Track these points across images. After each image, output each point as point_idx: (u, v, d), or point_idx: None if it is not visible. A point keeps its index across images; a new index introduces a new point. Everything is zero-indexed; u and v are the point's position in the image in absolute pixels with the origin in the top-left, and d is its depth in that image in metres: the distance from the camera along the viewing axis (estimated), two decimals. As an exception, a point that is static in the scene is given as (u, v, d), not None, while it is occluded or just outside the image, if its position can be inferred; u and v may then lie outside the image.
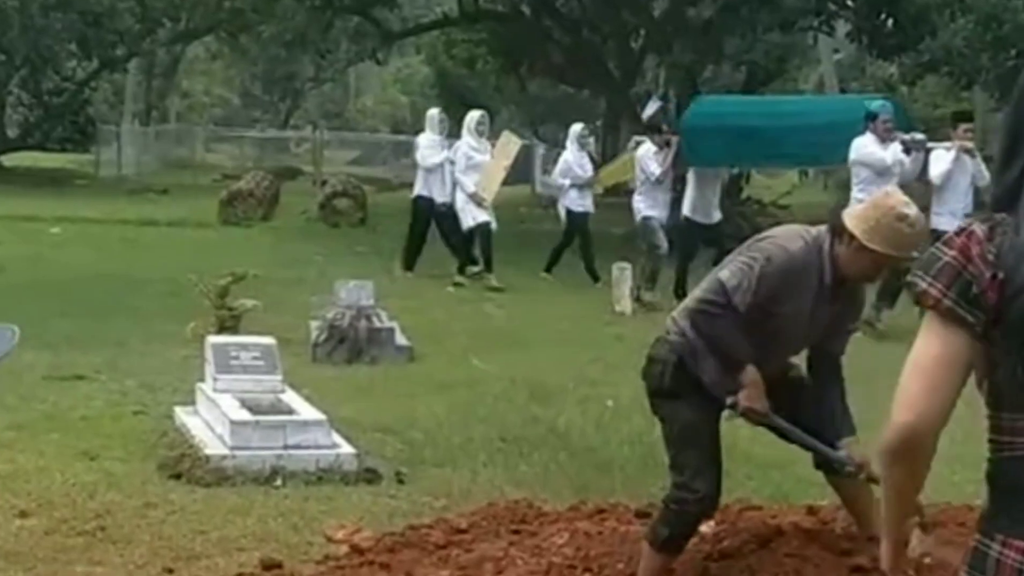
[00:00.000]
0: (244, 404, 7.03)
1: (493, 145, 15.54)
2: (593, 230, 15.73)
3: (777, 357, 4.76)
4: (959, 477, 6.51)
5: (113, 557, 5.38)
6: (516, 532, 5.59)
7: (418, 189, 15.74)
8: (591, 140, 18.38)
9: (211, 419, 7.17)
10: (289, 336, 9.74)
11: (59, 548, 5.44)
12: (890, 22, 20.60)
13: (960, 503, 5.98)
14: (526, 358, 10.27)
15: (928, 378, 2.28)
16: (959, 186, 11.83)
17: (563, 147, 17.36)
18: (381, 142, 44.64)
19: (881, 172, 11.86)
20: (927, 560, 4.90)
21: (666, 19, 23.22)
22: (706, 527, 5.27)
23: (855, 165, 12.08)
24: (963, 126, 12.24)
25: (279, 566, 5.31)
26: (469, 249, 15.34)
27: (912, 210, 4.60)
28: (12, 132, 35.48)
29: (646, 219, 14.11)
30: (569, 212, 15.50)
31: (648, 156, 14.35)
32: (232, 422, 6.74)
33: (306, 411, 7.09)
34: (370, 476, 6.59)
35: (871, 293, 12.13)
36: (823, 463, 4.93)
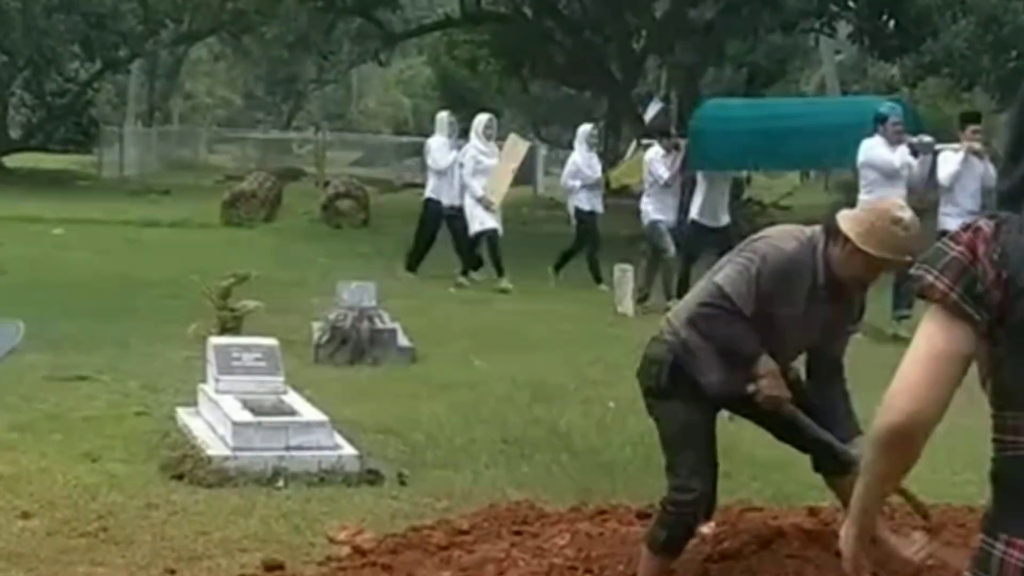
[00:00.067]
0: (246, 405, 7.04)
1: (500, 148, 15.53)
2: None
3: (774, 359, 4.76)
4: (960, 478, 6.53)
5: (115, 558, 5.39)
6: (518, 533, 5.60)
7: (429, 192, 15.76)
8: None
9: (213, 420, 7.17)
10: (291, 337, 9.75)
11: (61, 549, 5.45)
12: (891, 23, 20.64)
13: (961, 504, 6.00)
14: (528, 359, 10.27)
15: (930, 370, 2.28)
16: (968, 188, 11.73)
17: (565, 148, 17.38)
18: (383, 143, 44.67)
19: (889, 175, 11.82)
20: (929, 561, 4.91)
21: (668, 20, 23.24)
22: (707, 528, 5.27)
23: (863, 167, 12.01)
24: (971, 127, 12.10)
25: (281, 567, 5.31)
26: (475, 253, 15.36)
27: (907, 214, 4.60)
28: (15, 133, 35.54)
29: (654, 223, 14.09)
30: (578, 211, 15.50)
31: (656, 159, 14.33)
32: (234, 423, 6.75)
33: (308, 412, 7.10)
34: (372, 477, 6.59)
35: (877, 299, 12.22)
36: (823, 465, 4.93)
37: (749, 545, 5.08)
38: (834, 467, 4.91)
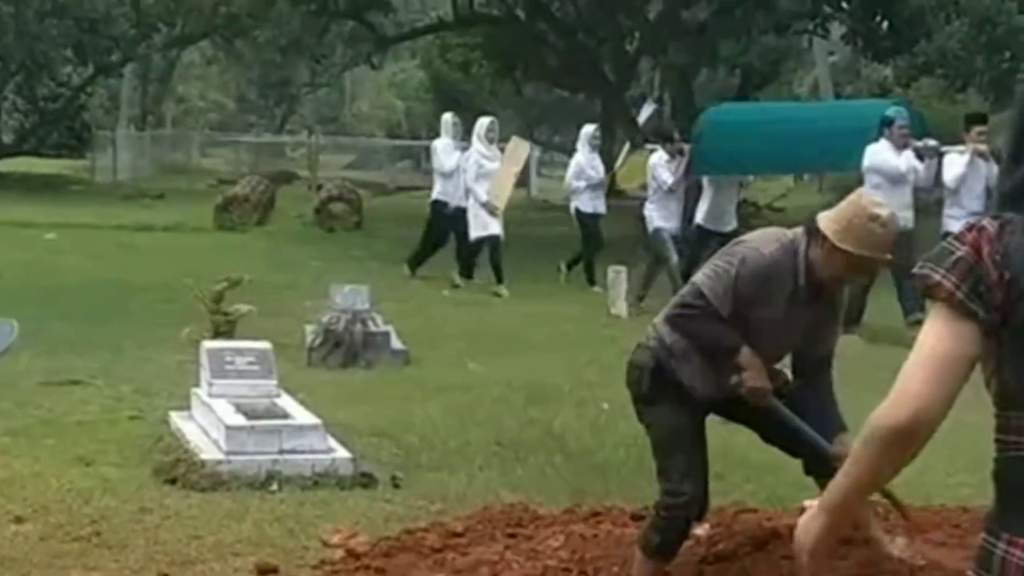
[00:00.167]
0: (239, 409, 7.02)
1: (502, 151, 15.51)
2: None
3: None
4: (954, 479, 6.53)
5: (108, 562, 5.37)
6: (512, 535, 5.60)
7: (436, 194, 15.77)
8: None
9: (206, 424, 7.16)
10: (284, 341, 9.74)
11: (54, 554, 5.44)
12: (885, 25, 20.67)
13: (955, 505, 6.00)
14: (522, 361, 10.27)
15: (936, 369, 2.27)
16: (973, 190, 11.69)
17: (558, 150, 17.38)
18: (376, 146, 44.68)
19: (895, 179, 11.80)
20: (921, 562, 4.91)
21: (661, 22, 23.26)
22: (701, 530, 5.28)
23: (868, 172, 11.97)
24: (976, 129, 12.03)
25: (275, 571, 5.30)
26: (473, 257, 15.38)
27: (884, 211, 4.60)
28: (7, 138, 35.49)
29: (657, 230, 14.06)
30: (579, 213, 15.49)
31: (660, 164, 14.32)
32: (227, 427, 6.74)
33: (301, 416, 7.09)
34: (366, 480, 6.58)
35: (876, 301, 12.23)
36: (814, 467, 4.92)
37: (744, 547, 5.09)
38: (824, 469, 4.91)
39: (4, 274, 14.08)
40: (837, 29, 23.09)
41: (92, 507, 6.04)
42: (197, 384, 7.63)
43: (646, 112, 20.67)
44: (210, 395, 7.30)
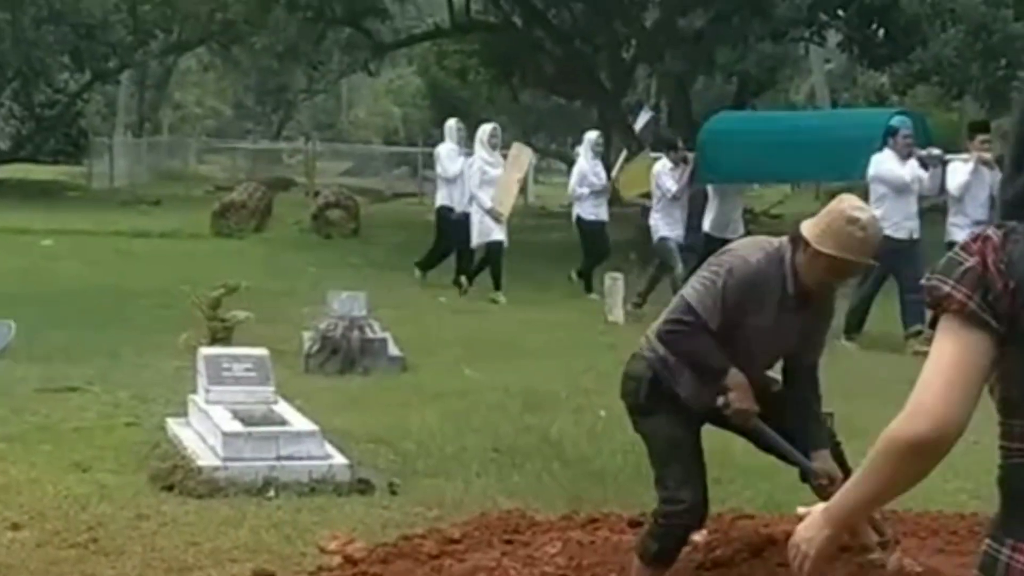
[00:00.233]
0: (236, 415, 7.03)
1: (504, 157, 15.50)
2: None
3: (747, 371, 4.74)
4: (951, 486, 6.53)
5: (105, 569, 5.37)
6: (509, 542, 5.60)
7: (441, 199, 15.80)
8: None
9: (203, 430, 7.16)
10: (282, 347, 9.74)
11: (51, 560, 5.43)
12: (881, 32, 20.69)
13: (952, 511, 6.00)
14: (519, 368, 10.27)
15: (953, 381, 2.26)
16: (977, 197, 11.66)
17: (555, 157, 17.38)
18: (374, 153, 44.71)
19: (899, 189, 11.80)
20: (918, 569, 4.91)
21: (657, 29, 23.28)
22: (699, 536, 5.28)
23: (873, 181, 11.95)
24: (980, 137, 12.03)
25: (272, 577, 5.31)
26: (469, 262, 15.39)
27: (863, 214, 4.61)
28: (4, 144, 35.49)
29: (663, 239, 14.06)
30: (580, 220, 15.48)
31: (664, 172, 14.32)
32: (224, 433, 6.73)
33: (299, 422, 7.09)
34: (363, 487, 6.58)
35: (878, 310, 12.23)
36: (807, 476, 4.94)
37: (741, 553, 5.09)
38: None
39: (0, 281, 14.08)
40: (833, 37, 23.11)
41: (89, 513, 6.04)
42: (194, 390, 7.64)
43: (642, 120, 20.71)
44: (207, 401, 7.31)
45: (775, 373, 5.04)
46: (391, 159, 41.87)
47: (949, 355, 2.28)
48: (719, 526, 5.59)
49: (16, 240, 18.87)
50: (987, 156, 11.71)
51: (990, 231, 2.32)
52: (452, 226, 15.36)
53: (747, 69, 22.37)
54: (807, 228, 4.61)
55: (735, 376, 4.66)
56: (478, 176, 14.82)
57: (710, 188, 14.28)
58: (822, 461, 4.75)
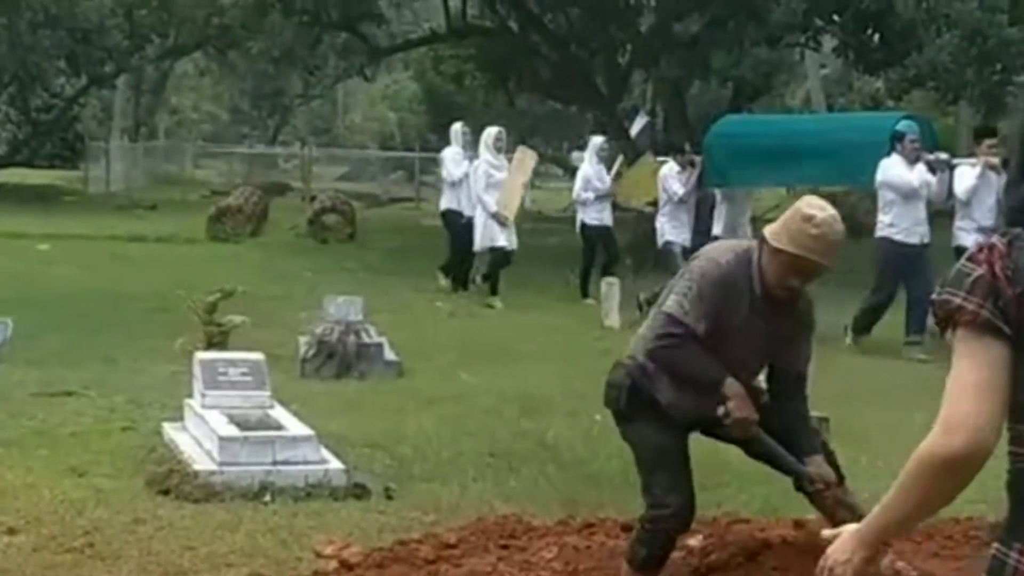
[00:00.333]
0: (232, 420, 7.03)
1: (509, 160, 15.50)
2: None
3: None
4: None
5: (101, 574, 5.37)
6: (505, 547, 5.61)
7: (446, 203, 15.80)
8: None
9: (199, 435, 7.17)
10: (278, 352, 9.75)
11: (47, 565, 5.43)
12: (876, 37, 20.68)
13: (948, 516, 6.01)
14: (515, 372, 10.28)
15: (980, 393, 2.27)
16: (985, 202, 11.65)
17: (551, 162, 17.38)
18: (370, 158, 44.67)
19: (907, 194, 11.79)
20: (913, 573, 4.92)
21: (653, 34, 23.28)
22: (694, 540, 5.30)
23: (881, 187, 11.94)
24: (987, 141, 12.02)
25: (268, 582, 5.31)
26: (469, 266, 15.40)
27: (819, 212, 4.61)
28: (0, 149, 35.46)
29: (668, 243, 14.06)
30: (584, 225, 15.48)
31: (671, 176, 14.31)
32: (220, 438, 6.74)
33: (295, 427, 7.09)
34: (359, 491, 6.59)
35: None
36: (800, 485, 4.95)
37: (736, 557, 5.10)
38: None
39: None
40: (829, 42, 23.12)
41: (85, 518, 6.04)
42: (190, 395, 7.64)
43: (638, 124, 20.70)
44: (203, 406, 7.31)
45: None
46: (387, 164, 41.85)
47: (972, 368, 2.28)
48: (715, 530, 5.60)
49: (12, 245, 18.87)
50: (994, 160, 11.67)
51: (995, 239, 2.33)
52: (465, 229, 15.30)
53: (743, 74, 22.39)
54: (768, 228, 4.65)
55: (732, 385, 4.67)
56: (483, 179, 14.81)
57: (718, 192, 14.27)
58: (816, 466, 4.77)
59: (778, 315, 4.70)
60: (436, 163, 15.73)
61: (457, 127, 16.17)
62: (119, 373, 9.62)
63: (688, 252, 13.87)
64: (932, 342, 11.30)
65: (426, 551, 5.54)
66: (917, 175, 11.84)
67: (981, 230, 11.11)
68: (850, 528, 2.53)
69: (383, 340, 10.46)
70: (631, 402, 4.82)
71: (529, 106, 35.74)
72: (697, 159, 14.32)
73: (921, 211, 11.92)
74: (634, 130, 20.58)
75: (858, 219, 22.98)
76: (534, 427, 8.22)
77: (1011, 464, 2.35)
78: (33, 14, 28.19)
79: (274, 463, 6.64)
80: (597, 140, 16.06)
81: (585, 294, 15.08)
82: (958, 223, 11.96)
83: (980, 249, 2.33)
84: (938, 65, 18.53)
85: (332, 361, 9.99)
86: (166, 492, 6.48)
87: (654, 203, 15.07)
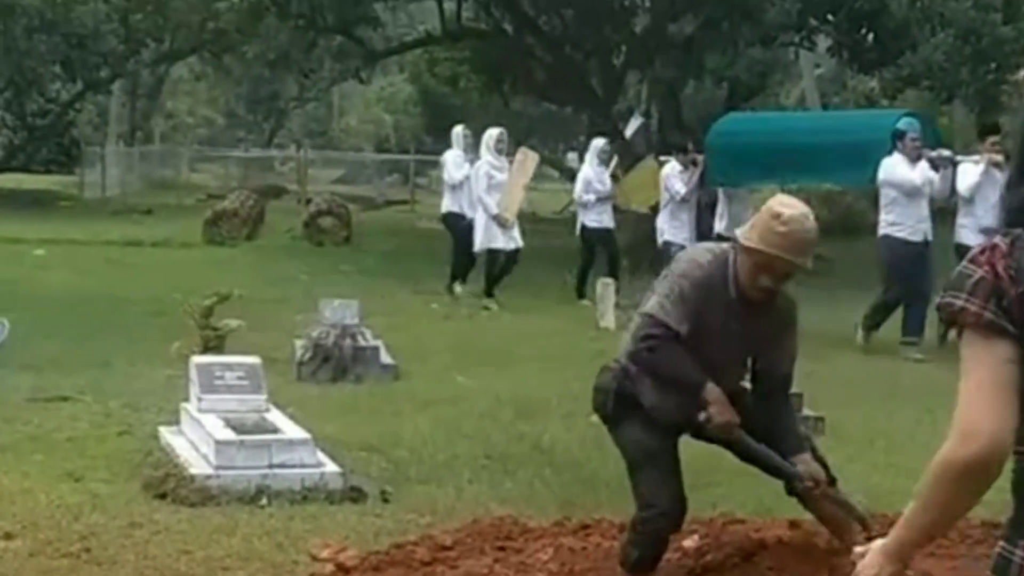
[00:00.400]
0: (229, 423, 7.03)
1: (510, 162, 15.51)
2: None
3: (715, 381, 4.74)
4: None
5: (98, 578, 5.38)
6: (501, 549, 5.61)
7: (447, 206, 15.75)
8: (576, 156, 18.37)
9: (196, 439, 7.17)
10: (274, 355, 9.75)
11: (44, 570, 5.44)
12: (871, 37, 20.70)
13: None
14: (511, 375, 10.29)
15: (993, 396, 2.26)
16: (988, 199, 11.55)
17: (546, 163, 17.37)
18: (365, 161, 44.67)
19: (911, 192, 11.78)
20: (909, 573, 4.93)
21: (647, 35, 23.29)
22: (690, 541, 5.31)
23: (883, 186, 11.94)
24: (991, 138, 12.01)
25: (264, 585, 5.31)
26: (467, 271, 15.40)
27: (788, 210, 4.60)
28: (-4, 154, 35.45)
29: (667, 244, 14.05)
30: (584, 228, 15.47)
31: (673, 175, 14.30)
32: (217, 442, 6.75)
33: (291, 430, 7.10)
34: (355, 494, 6.59)
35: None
36: (792, 488, 4.95)
37: (732, 558, 5.11)
38: (798, 492, 4.95)
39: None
40: (823, 42, 23.13)
41: (82, 523, 6.05)
42: (186, 399, 7.64)
43: (633, 125, 20.70)
44: (199, 410, 7.31)
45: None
46: (383, 166, 41.86)
47: (981, 371, 2.28)
48: (710, 531, 5.60)
49: (8, 250, 18.86)
50: (998, 157, 11.60)
51: (997, 239, 2.34)
52: (465, 232, 15.28)
53: (737, 74, 22.39)
54: (741, 227, 4.68)
55: (712, 390, 4.66)
56: (484, 181, 14.80)
57: (720, 191, 14.25)
58: (805, 464, 4.77)
59: (754, 316, 4.70)
60: (432, 165, 15.73)
61: (458, 130, 16.15)
62: (115, 377, 9.62)
63: None
64: (930, 342, 11.35)
65: (422, 553, 5.54)
66: (920, 173, 11.83)
67: (984, 231, 11.10)
68: (877, 544, 2.52)
69: (379, 343, 10.47)
70: (618, 405, 4.84)
71: (524, 108, 35.74)
72: (699, 158, 14.31)
73: (924, 209, 11.92)
74: (629, 131, 20.58)
75: (854, 218, 23.06)
76: (530, 429, 8.23)
77: (1016, 463, 2.35)
78: (29, 19, 28.18)
79: (270, 466, 6.65)
80: (599, 142, 16.03)
81: (581, 295, 15.08)
82: (960, 220, 11.95)
83: (982, 251, 2.33)
84: (932, 64, 18.56)
85: (328, 364, 10.00)
86: (162, 496, 6.48)
87: (655, 207, 15.06)
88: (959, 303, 2.30)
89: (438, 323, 13.42)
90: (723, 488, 6.54)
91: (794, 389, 8.23)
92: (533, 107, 35.95)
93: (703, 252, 4.83)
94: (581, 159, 18.38)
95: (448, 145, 16.22)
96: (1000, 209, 2.45)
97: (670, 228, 14.15)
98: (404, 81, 44.10)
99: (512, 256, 14.99)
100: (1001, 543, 2.35)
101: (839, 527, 4.98)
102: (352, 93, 51.93)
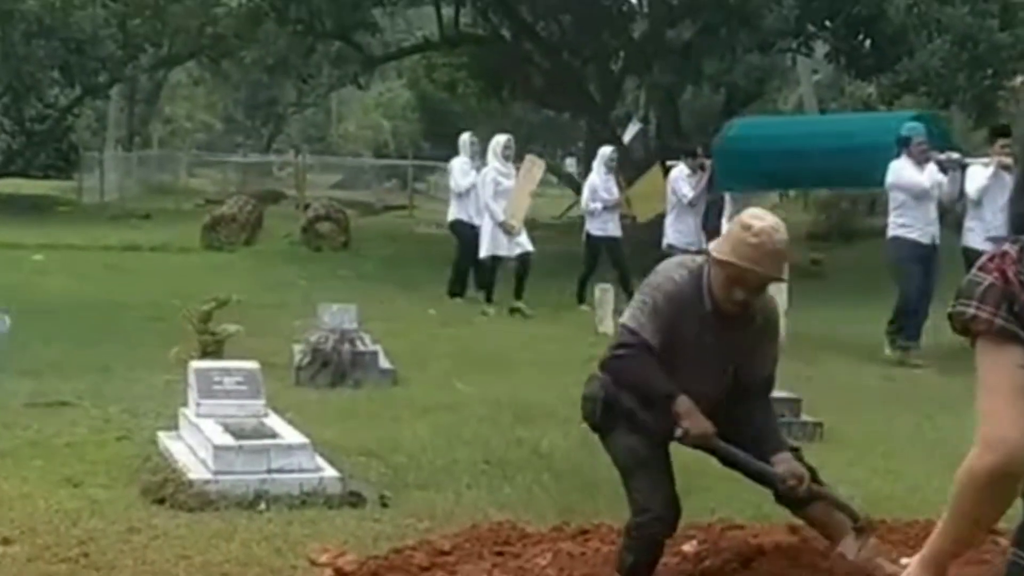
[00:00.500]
0: (227, 428, 7.03)
1: (517, 169, 15.51)
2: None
3: (694, 396, 4.71)
4: (940, 496, 6.55)
5: (97, 583, 5.38)
6: (499, 554, 5.61)
7: (454, 214, 15.72)
8: (574, 163, 18.38)
9: (194, 444, 7.17)
10: (272, 360, 9.75)
11: (42, 575, 5.44)
12: (868, 43, 20.76)
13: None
14: (509, 380, 10.29)
15: (1012, 403, 2.26)
16: (997, 202, 11.48)
17: (546, 169, 17.36)
18: (363, 166, 44.71)
19: (919, 196, 11.78)
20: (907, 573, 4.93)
21: (646, 41, 23.34)
22: (688, 546, 5.31)
23: (891, 189, 11.93)
24: (1001, 141, 11.99)
25: (263, 590, 5.31)
26: (465, 276, 15.41)
27: (759, 222, 4.59)
28: (-6, 159, 35.45)
29: (669, 247, 14.05)
30: (589, 236, 15.46)
31: (681, 178, 14.29)
32: (215, 447, 6.74)
33: (289, 435, 7.10)
34: (354, 499, 6.59)
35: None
36: (779, 495, 4.95)
37: (730, 563, 5.11)
38: (788, 502, 4.95)
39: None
40: (821, 47, 23.18)
41: (80, 528, 6.04)
42: (185, 404, 7.64)
43: (631, 131, 20.75)
44: (198, 415, 7.31)
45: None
46: (381, 172, 41.89)
47: (996, 377, 2.28)
48: (708, 536, 5.61)
49: (7, 255, 18.86)
50: (1007, 160, 11.60)
51: (1006, 246, 2.34)
52: (472, 240, 15.25)
53: (735, 80, 22.46)
54: (713, 240, 4.70)
55: (683, 403, 4.64)
56: (491, 187, 14.78)
57: (727, 196, 14.24)
58: (786, 464, 4.76)
59: (730, 329, 4.68)
60: (430, 171, 15.76)
61: (465, 137, 16.13)
62: (114, 383, 9.62)
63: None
64: (928, 348, 11.35)
65: (421, 558, 5.54)
66: (928, 175, 11.82)
67: (992, 239, 11.07)
68: (915, 558, 2.53)
69: (378, 348, 10.47)
70: (606, 414, 4.85)
71: (522, 114, 35.78)
72: (707, 163, 14.30)
73: (932, 211, 11.92)
74: (627, 137, 20.62)
75: (851, 224, 23.07)
76: (528, 435, 8.23)
77: None
78: (27, 25, 28.18)
79: (269, 471, 6.65)
80: (606, 150, 15.99)
81: (581, 300, 15.08)
82: (968, 223, 11.94)
83: (991, 258, 2.34)
84: (929, 70, 18.60)
85: (327, 369, 10.00)
86: (161, 501, 6.48)
87: (663, 216, 15.04)
88: (970, 311, 2.30)
89: (436, 328, 13.42)
90: (722, 493, 6.54)
91: (792, 394, 8.35)
92: (531, 113, 35.99)
93: (677, 266, 4.83)
94: (579, 165, 18.42)
95: (447, 150, 16.26)
96: (1008, 215, 2.46)
97: (674, 232, 14.15)
98: (402, 87, 44.13)
99: (524, 260, 14.97)
100: (1012, 549, 2.36)
101: (832, 531, 4.98)
102: (350, 98, 52.00)
